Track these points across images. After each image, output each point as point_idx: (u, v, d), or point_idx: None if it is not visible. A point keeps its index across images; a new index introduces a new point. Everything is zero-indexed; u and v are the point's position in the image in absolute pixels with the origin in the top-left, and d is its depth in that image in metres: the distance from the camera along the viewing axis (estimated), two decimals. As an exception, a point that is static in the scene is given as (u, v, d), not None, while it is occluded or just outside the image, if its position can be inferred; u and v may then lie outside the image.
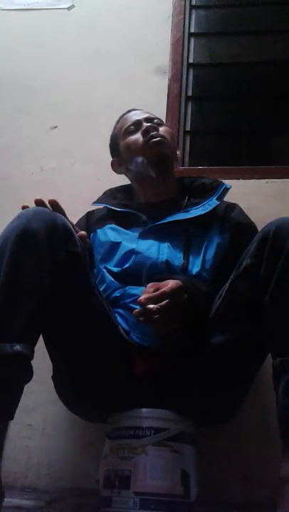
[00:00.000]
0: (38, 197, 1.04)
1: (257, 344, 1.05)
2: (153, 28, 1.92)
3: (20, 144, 1.82)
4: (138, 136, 1.35)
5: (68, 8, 2.01)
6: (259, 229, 1.10)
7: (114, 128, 1.45)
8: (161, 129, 1.37)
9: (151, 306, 0.99)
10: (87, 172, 1.72)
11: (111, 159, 1.46)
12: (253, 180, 1.61)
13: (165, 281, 1.06)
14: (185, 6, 1.96)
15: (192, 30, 1.97)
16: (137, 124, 1.38)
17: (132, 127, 1.38)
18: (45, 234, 0.98)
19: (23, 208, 1.04)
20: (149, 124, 1.35)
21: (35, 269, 0.97)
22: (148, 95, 1.80)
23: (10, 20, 2.03)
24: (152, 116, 1.42)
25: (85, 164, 1.75)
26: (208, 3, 2.12)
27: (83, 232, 1.11)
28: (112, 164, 1.45)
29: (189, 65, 1.91)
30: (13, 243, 0.96)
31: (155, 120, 1.40)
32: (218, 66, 2.33)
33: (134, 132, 1.37)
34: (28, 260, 0.96)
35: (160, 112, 1.76)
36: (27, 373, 0.96)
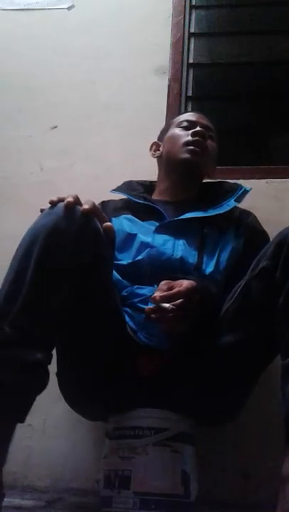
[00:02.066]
0: (70, 198, 0.99)
1: (265, 346, 1.05)
2: (153, 28, 1.92)
3: (21, 144, 1.82)
4: (186, 133, 1.37)
5: (68, 8, 2.01)
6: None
7: (175, 118, 1.47)
8: (209, 141, 1.39)
9: (166, 304, 0.99)
10: (87, 172, 1.72)
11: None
12: (253, 180, 1.61)
13: (179, 281, 1.05)
14: (185, 6, 1.96)
15: (192, 30, 1.97)
16: (193, 123, 1.39)
17: (186, 123, 1.39)
18: (74, 235, 0.97)
19: (52, 202, 1.01)
20: (202, 129, 1.36)
21: (62, 271, 0.95)
22: (148, 95, 1.81)
23: (10, 20, 2.03)
24: (211, 127, 1.43)
25: (85, 164, 1.75)
26: (208, 3, 2.12)
27: (109, 224, 1.08)
28: (152, 145, 1.47)
29: (189, 65, 1.91)
30: (42, 243, 0.94)
31: (210, 132, 1.41)
32: (218, 66, 2.33)
33: (185, 128, 1.38)
34: (55, 262, 0.94)
35: (160, 112, 1.76)
36: (44, 382, 0.96)
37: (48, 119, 1.84)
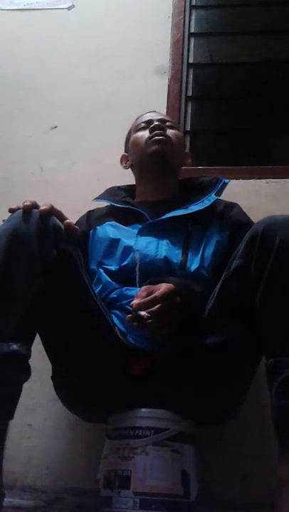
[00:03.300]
0: (27, 202, 1.04)
1: (251, 344, 1.05)
2: (153, 28, 1.92)
3: (21, 144, 1.82)
4: (145, 133, 1.38)
5: (68, 8, 2.01)
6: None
7: (131, 125, 1.48)
8: (171, 131, 1.39)
9: (142, 312, 1.00)
10: (87, 172, 1.72)
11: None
12: (253, 180, 1.61)
13: (158, 285, 1.05)
14: (185, 6, 1.96)
15: (192, 30, 1.97)
16: (149, 122, 1.40)
17: (143, 124, 1.41)
18: (35, 234, 1.00)
19: (11, 210, 1.05)
20: (158, 123, 1.37)
21: (27, 269, 0.99)
22: (148, 95, 1.81)
23: (10, 20, 2.03)
24: (167, 118, 1.45)
25: (85, 164, 1.75)
26: (208, 3, 2.12)
27: (69, 221, 1.10)
28: (121, 159, 1.48)
29: (189, 65, 1.91)
30: (4, 246, 0.99)
31: (168, 123, 1.42)
32: (218, 66, 2.33)
33: (143, 129, 1.40)
34: (20, 261, 0.98)
35: (160, 111, 1.76)
36: (25, 372, 0.98)
37: (48, 119, 1.84)
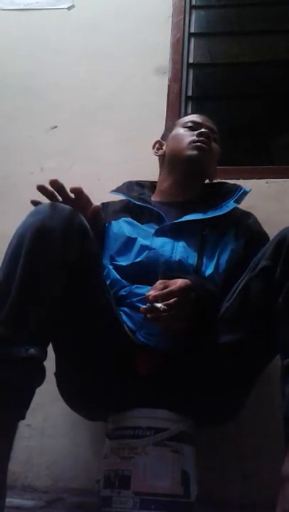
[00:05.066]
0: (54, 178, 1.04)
1: (263, 346, 1.05)
2: (153, 28, 1.92)
3: (21, 144, 1.82)
4: (191, 133, 1.37)
5: (68, 8, 2.01)
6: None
7: (181, 118, 1.48)
8: (214, 144, 1.40)
9: (158, 304, 1.00)
10: (87, 172, 1.72)
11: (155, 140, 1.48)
12: (253, 180, 1.61)
13: (174, 280, 1.05)
14: (185, 6, 1.96)
15: (192, 30, 1.97)
16: (198, 125, 1.40)
17: (191, 124, 1.40)
18: (61, 232, 0.98)
19: (33, 202, 1.04)
20: (208, 130, 1.37)
21: (50, 270, 0.97)
22: (148, 95, 1.81)
23: (10, 20, 2.03)
24: (215, 130, 1.44)
25: (85, 164, 1.75)
26: (208, 3, 2.12)
27: (97, 205, 1.11)
28: (155, 143, 1.47)
29: (189, 65, 1.91)
30: (29, 242, 0.97)
31: (215, 135, 1.42)
32: (218, 66, 2.33)
33: (190, 129, 1.39)
34: (43, 261, 0.96)
35: (160, 112, 1.76)
36: (40, 376, 0.97)
37: (48, 119, 1.84)
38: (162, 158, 1.44)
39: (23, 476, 1.35)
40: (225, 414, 1.16)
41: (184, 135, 1.38)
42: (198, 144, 1.34)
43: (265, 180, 1.62)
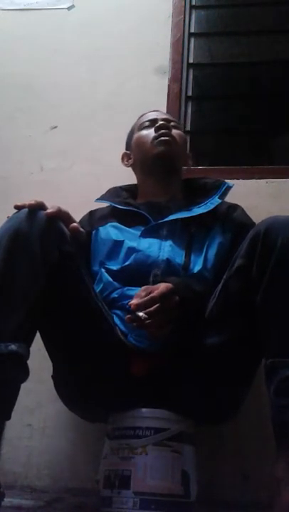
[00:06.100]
0: (33, 201, 1.04)
1: (253, 344, 1.04)
2: (153, 28, 1.91)
3: (21, 144, 1.82)
4: (150, 132, 1.37)
5: (68, 8, 2.01)
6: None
7: (134, 123, 1.47)
8: (175, 131, 1.39)
9: (140, 313, 1.00)
10: (87, 172, 1.72)
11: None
12: (253, 180, 1.61)
13: (157, 285, 1.06)
14: (185, 6, 1.96)
15: (192, 30, 1.97)
16: (153, 121, 1.39)
17: (148, 123, 1.40)
18: (37, 235, 1.00)
19: (16, 207, 1.05)
20: (163, 122, 1.37)
21: (29, 270, 0.99)
22: (148, 95, 1.80)
23: (10, 20, 2.03)
24: (171, 118, 1.44)
25: (85, 164, 1.75)
26: (208, 3, 2.12)
27: (75, 224, 1.12)
28: (122, 156, 1.47)
29: (189, 65, 1.91)
30: (5, 245, 0.99)
31: (172, 122, 1.41)
32: (218, 66, 2.33)
33: (148, 128, 1.39)
34: (21, 262, 0.99)
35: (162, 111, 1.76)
36: (23, 372, 0.97)
37: (48, 119, 1.84)
38: (134, 167, 1.43)
39: (23, 476, 1.35)
40: (222, 413, 1.16)
41: (144, 136, 1.38)
42: (160, 138, 1.34)
43: (265, 180, 1.62)
